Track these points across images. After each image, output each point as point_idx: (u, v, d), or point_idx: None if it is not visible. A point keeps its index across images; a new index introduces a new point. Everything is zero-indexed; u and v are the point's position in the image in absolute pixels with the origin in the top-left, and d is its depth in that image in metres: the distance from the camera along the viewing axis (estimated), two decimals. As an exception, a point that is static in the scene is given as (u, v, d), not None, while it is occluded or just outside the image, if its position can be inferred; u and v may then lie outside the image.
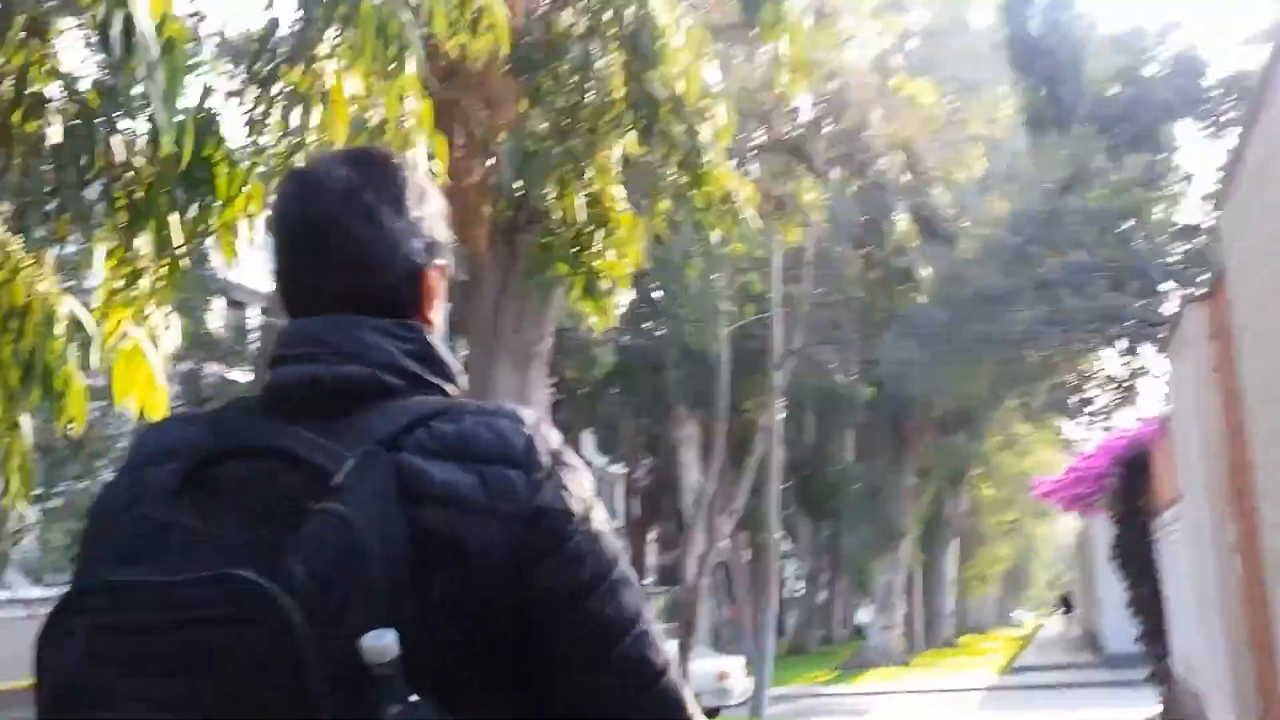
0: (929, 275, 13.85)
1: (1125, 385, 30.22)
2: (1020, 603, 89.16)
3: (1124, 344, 28.13)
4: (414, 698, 1.03)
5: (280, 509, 1.07)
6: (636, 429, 39.06)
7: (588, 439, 42.46)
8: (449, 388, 1.25)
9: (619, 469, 43.93)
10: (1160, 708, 12.88)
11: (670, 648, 1.23)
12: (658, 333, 27.08)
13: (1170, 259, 25.90)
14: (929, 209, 14.80)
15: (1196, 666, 9.67)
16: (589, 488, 1.21)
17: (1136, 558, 12.75)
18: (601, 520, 1.19)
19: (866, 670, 29.41)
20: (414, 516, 1.09)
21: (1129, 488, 12.50)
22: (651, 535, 42.37)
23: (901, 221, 13.47)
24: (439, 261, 1.30)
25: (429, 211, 1.30)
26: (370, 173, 1.27)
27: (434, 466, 1.13)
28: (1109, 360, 30.91)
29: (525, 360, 11.69)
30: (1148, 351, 28.61)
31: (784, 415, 34.66)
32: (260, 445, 1.14)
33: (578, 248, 6.03)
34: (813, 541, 44.83)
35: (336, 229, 1.24)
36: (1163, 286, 25.13)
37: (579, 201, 5.90)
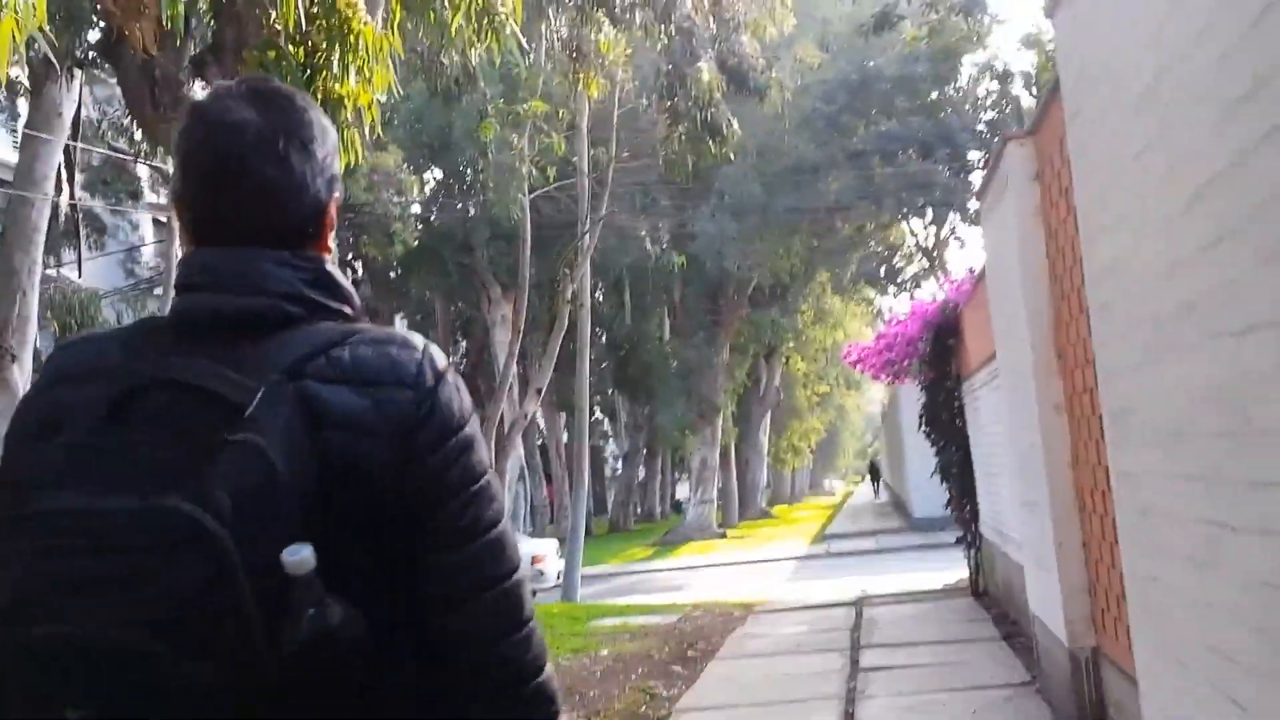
0: (736, 130, 13.12)
1: (933, 255, 30.67)
2: (832, 472, 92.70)
3: (931, 215, 28.43)
4: (327, 599, 1.17)
5: (197, 437, 1.17)
6: (449, 312, 38.14)
7: (400, 324, 41.06)
8: (347, 310, 1.36)
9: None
10: (968, 570, 12.91)
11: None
12: (470, 213, 25.99)
13: (979, 126, 26.06)
14: (736, 56, 14.01)
15: (1009, 531, 9.48)
16: (467, 406, 1.35)
17: (945, 423, 12.59)
18: (473, 436, 1.33)
19: (683, 545, 29.58)
20: (318, 441, 1.22)
21: (939, 351, 12.25)
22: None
23: (707, 70, 12.61)
24: (336, 194, 1.41)
25: (329, 148, 1.40)
26: (278, 114, 1.35)
27: (333, 393, 1.24)
28: (918, 231, 31.29)
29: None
30: (955, 221, 29.02)
31: (598, 294, 34.09)
32: (178, 379, 1.22)
33: (311, 70, 4.89)
34: (631, 420, 44.87)
35: (249, 171, 1.31)
36: (970, 155, 25.31)
37: (301, 9, 4.73)
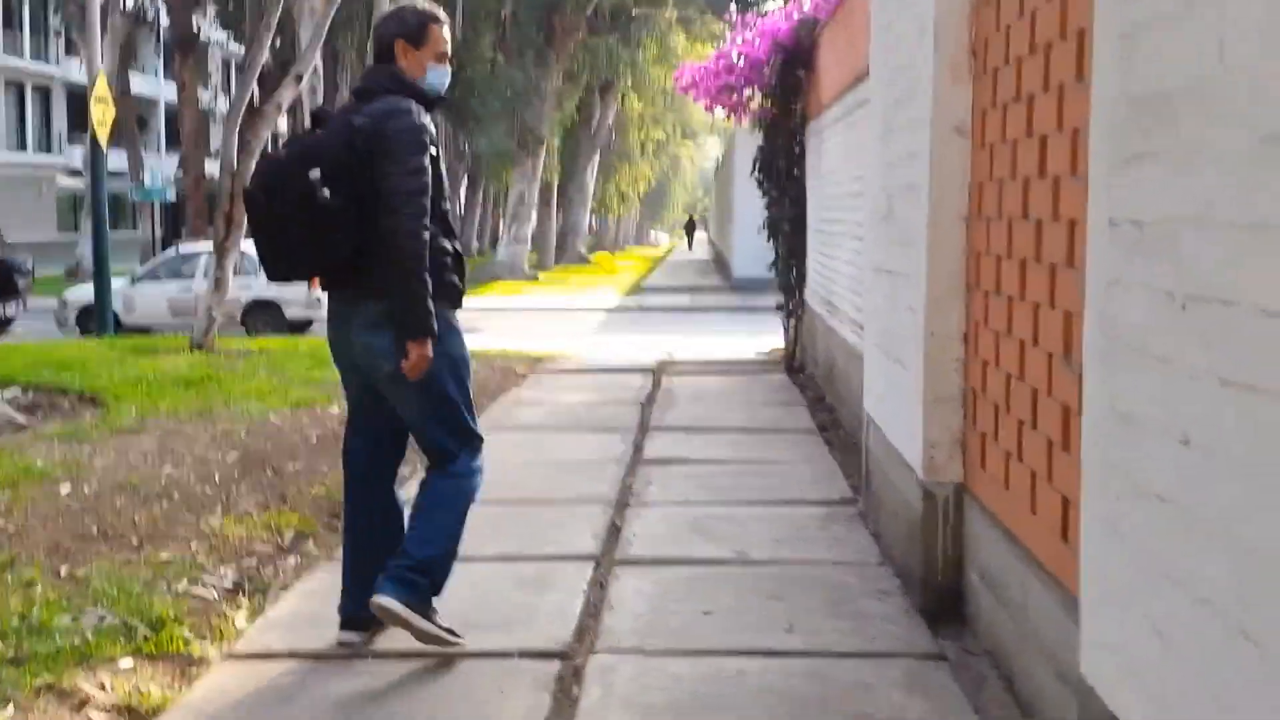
0: None
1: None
2: (659, 224, 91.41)
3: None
4: (325, 189, 3.54)
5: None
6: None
7: (211, 10, 36.41)
8: (404, 93, 3.68)
9: (241, 49, 38.36)
10: (784, 339, 11.36)
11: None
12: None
13: None
14: None
15: (842, 304, 7.77)
16: (405, 125, 3.60)
17: (781, 171, 10.70)
18: (403, 135, 3.58)
19: (489, 284, 27.58)
20: (351, 132, 3.61)
21: (786, 83, 10.20)
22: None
23: None
24: (401, 41, 3.76)
25: (396, 23, 3.78)
26: (389, 16, 3.86)
27: (358, 118, 3.62)
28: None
29: None
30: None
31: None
32: (335, 113, 3.82)
33: None
34: (451, 147, 41.84)
35: (380, 30, 3.83)
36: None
37: None
